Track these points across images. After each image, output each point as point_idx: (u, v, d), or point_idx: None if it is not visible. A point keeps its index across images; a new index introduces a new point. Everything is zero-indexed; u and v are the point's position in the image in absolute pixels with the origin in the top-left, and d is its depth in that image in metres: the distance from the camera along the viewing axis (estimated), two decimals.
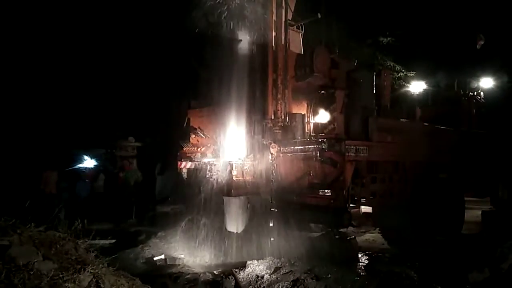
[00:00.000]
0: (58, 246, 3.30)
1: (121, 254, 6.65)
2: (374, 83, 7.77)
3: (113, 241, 7.84)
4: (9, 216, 3.61)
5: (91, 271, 3.10)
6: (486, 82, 12.72)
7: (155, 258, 6.80)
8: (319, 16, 8.14)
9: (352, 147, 6.75)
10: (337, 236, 7.04)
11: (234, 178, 6.57)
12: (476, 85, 12.16)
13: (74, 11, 13.78)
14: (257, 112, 7.13)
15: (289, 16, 7.53)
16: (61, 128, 14.67)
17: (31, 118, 14.14)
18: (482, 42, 14.85)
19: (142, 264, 6.77)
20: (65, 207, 9.80)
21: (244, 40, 7.19)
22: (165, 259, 6.78)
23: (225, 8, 6.99)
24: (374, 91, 7.77)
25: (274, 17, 7.06)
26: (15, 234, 3.21)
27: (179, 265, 6.58)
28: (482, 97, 11.55)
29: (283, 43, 7.01)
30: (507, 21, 15.88)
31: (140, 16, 13.66)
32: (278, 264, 6.01)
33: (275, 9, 7.04)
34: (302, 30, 8.44)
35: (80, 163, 13.20)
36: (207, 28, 7.18)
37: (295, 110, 7.38)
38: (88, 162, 13.44)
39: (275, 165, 6.62)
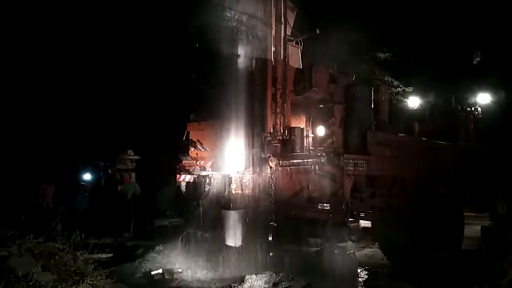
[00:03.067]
0: (57, 257, 3.29)
1: (119, 268, 6.59)
2: (372, 98, 7.83)
3: (111, 254, 7.78)
4: (7, 228, 3.60)
5: (90, 282, 3.09)
6: (483, 98, 12.83)
7: (152, 272, 6.74)
8: (318, 32, 8.26)
9: (351, 161, 6.77)
10: (336, 251, 7.00)
11: (233, 192, 6.57)
12: (473, 100, 12.28)
13: (74, 25, 13.94)
14: (256, 126, 7.17)
15: (288, 32, 7.63)
16: (60, 141, 14.68)
17: (30, 131, 14.15)
18: (478, 58, 15.03)
19: (140, 278, 6.71)
20: (62, 220, 9.74)
21: (244, 55, 7.27)
22: (163, 273, 6.72)
23: (225, 23, 7.09)
24: (372, 106, 7.83)
25: (273, 33, 7.16)
26: (14, 245, 3.21)
27: (176, 279, 6.53)
28: (480, 112, 11.65)
29: (282, 58, 7.10)
30: (503, 37, 16.12)
31: (140, 30, 13.81)
32: (277, 279, 5.96)
33: (274, 25, 7.15)
34: (301, 45, 8.55)
35: (78, 176, 13.18)
36: (207, 42, 7.27)
37: (294, 124, 7.43)
38: (87, 175, 13.41)
39: (274, 178, 6.63)
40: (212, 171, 7.43)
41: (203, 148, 8.13)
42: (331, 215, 6.61)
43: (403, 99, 15.87)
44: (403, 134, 8.87)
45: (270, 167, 6.60)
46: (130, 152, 12.67)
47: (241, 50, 7.24)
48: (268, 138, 6.93)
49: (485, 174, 10.13)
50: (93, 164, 14.42)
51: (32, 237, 3.45)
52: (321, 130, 7.39)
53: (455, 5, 16.03)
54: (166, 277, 6.62)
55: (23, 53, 13.66)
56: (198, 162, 8.05)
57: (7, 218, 4.55)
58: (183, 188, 8.02)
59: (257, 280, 5.95)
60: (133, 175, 12.38)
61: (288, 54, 7.28)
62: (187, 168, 8.16)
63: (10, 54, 13.14)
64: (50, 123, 14.60)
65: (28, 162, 13.51)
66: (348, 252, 7.35)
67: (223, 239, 6.82)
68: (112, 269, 4.01)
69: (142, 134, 14.52)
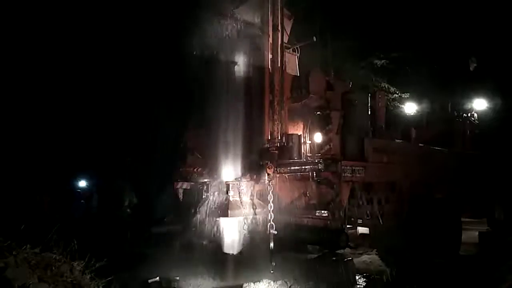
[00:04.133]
0: (53, 268, 3.26)
1: (116, 276, 6.53)
2: (369, 104, 7.87)
3: (108, 263, 7.71)
4: (4, 237, 3.57)
5: None
6: (480, 104, 12.91)
7: (150, 281, 6.69)
8: (315, 39, 8.29)
9: (348, 167, 6.78)
10: (334, 258, 6.99)
11: (231, 199, 6.55)
12: (469, 106, 12.36)
13: (70, 31, 13.94)
14: (254, 133, 7.17)
15: (285, 39, 7.66)
16: (55, 149, 14.61)
17: (26, 138, 14.08)
18: (475, 64, 15.15)
19: (137, 286, 6.66)
20: (58, 229, 9.66)
21: (241, 62, 7.29)
22: (160, 281, 6.67)
23: (222, 31, 7.11)
24: (369, 112, 7.86)
25: (270, 40, 7.19)
26: (10, 255, 3.18)
27: (174, 287, 6.48)
28: (476, 118, 11.71)
29: (279, 65, 7.11)
30: (499, 44, 16.24)
31: (137, 37, 13.83)
32: (275, 287, 5.94)
33: (271, 33, 7.17)
34: (298, 52, 8.59)
35: (75, 184, 13.13)
36: (204, 50, 7.29)
37: (291, 130, 7.44)
38: (84, 183, 13.37)
39: (271, 185, 6.62)
40: (209, 178, 7.41)
41: (200, 155, 8.10)
42: (329, 222, 6.61)
43: (400, 105, 15.95)
44: (400, 140, 8.89)
45: (268, 174, 6.59)
46: (128, 159, 12.65)
47: (238, 58, 7.26)
48: (266, 145, 6.93)
49: (483, 180, 10.15)
50: (89, 172, 14.36)
51: (29, 247, 3.43)
52: (318, 137, 7.40)
53: (451, 11, 16.16)
54: (164, 285, 6.58)
55: (18, 58, 13.61)
56: (195, 169, 8.03)
57: (3, 227, 4.51)
58: (181, 195, 7.99)
59: None
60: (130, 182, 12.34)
61: (285, 61, 7.30)
62: (184, 175, 8.14)
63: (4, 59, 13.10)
64: (45, 130, 14.53)
65: (23, 170, 13.43)
66: (346, 259, 7.35)
67: (221, 247, 6.80)
68: (109, 278, 3.98)
69: (138, 141, 14.48)
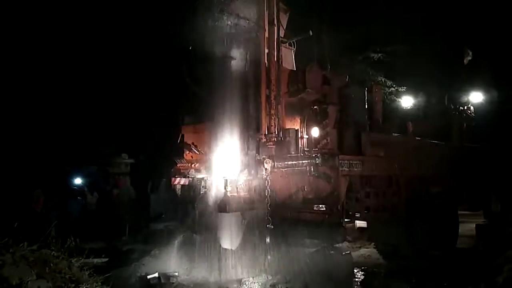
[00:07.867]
0: (51, 265, 3.25)
1: (115, 272, 6.53)
2: (366, 98, 7.86)
3: (106, 259, 7.72)
4: (1, 235, 3.56)
5: None
6: (476, 97, 12.93)
7: (149, 277, 6.71)
8: (311, 33, 8.26)
9: (346, 161, 6.78)
10: (332, 252, 7.01)
11: (229, 194, 6.56)
12: (466, 99, 12.37)
13: (66, 26, 13.85)
14: (251, 128, 7.16)
15: (282, 34, 7.63)
16: (53, 145, 14.56)
17: (22, 135, 14.01)
18: (470, 57, 15.15)
19: (136, 282, 6.67)
20: (55, 226, 9.64)
21: (238, 57, 7.26)
22: (159, 277, 6.69)
23: (218, 25, 7.08)
24: (366, 106, 7.86)
25: (266, 35, 7.16)
26: (7, 253, 3.17)
27: (173, 283, 6.50)
28: (472, 111, 11.74)
29: (275, 59, 7.09)
30: (494, 36, 16.26)
31: (133, 33, 13.76)
32: (274, 281, 5.97)
33: (267, 27, 7.15)
34: (294, 47, 8.56)
35: (71, 181, 13.09)
36: (201, 44, 7.25)
37: (288, 125, 7.43)
38: (80, 180, 13.33)
39: (269, 180, 6.62)
40: (207, 173, 7.41)
41: (197, 150, 8.09)
42: (326, 216, 6.61)
43: (397, 99, 15.96)
44: (397, 134, 8.90)
45: (265, 169, 6.59)
46: (125, 155, 12.62)
47: (234, 53, 7.22)
48: (263, 140, 6.92)
49: (479, 173, 10.18)
50: (86, 168, 14.33)
51: (26, 244, 3.42)
52: (315, 131, 7.40)
53: (447, 4, 16.15)
54: (162, 281, 6.59)
55: (14, 55, 13.52)
56: (193, 165, 8.03)
57: (0, 225, 4.49)
58: (178, 191, 7.99)
59: (254, 282, 5.97)
60: (127, 179, 12.32)
61: (281, 56, 7.28)
62: (182, 171, 8.13)
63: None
64: (41, 126, 14.46)
65: (20, 167, 13.37)
66: (344, 253, 7.38)
67: (219, 242, 6.81)
68: (107, 275, 3.98)
69: (135, 137, 14.45)
